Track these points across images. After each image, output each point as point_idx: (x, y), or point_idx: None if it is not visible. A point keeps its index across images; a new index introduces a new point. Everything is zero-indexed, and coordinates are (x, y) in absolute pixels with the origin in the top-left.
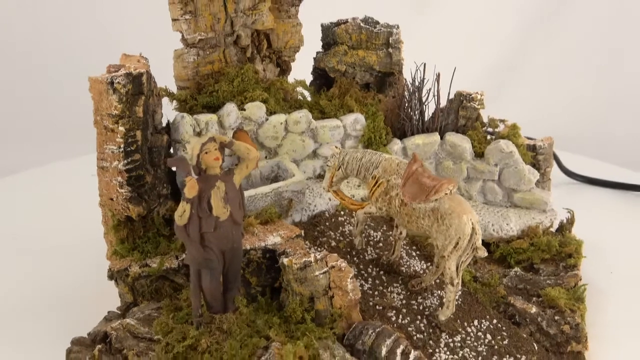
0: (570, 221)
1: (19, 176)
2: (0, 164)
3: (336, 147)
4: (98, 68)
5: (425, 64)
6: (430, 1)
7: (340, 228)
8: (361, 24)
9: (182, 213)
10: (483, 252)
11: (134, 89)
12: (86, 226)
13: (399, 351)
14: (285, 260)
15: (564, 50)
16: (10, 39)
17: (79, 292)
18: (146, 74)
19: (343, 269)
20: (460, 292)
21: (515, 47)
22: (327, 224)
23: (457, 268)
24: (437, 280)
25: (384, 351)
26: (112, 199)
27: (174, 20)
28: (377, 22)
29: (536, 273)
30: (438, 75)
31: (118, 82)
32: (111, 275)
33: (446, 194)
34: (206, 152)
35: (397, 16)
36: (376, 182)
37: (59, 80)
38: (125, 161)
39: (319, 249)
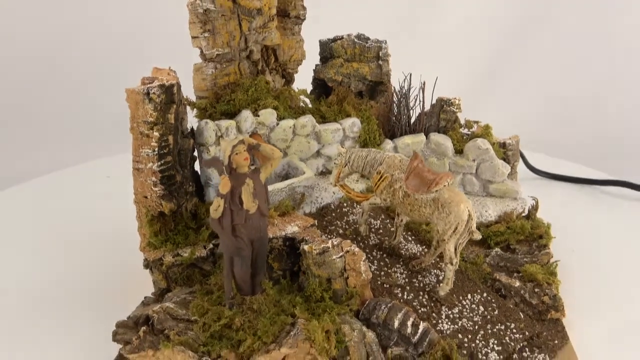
0: (535, 207)
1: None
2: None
3: (342, 147)
4: (119, 79)
5: (411, 74)
6: (417, 18)
7: (345, 218)
8: (355, 40)
9: (217, 207)
10: (478, 235)
11: (167, 98)
12: (115, 222)
13: (409, 323)
14: (305, 247)
15: (533, 63)
16: (39, 51)
17: (114, 281)
18: (177, 85)
19: (356, 253)
20: None
21: (491, 60)
22: (334, 214)
23: (455, 249)
24: (433, 261)
25: (396, 323)
26: (146, 197)
27: (193, 37)
28: (368, 38)
29: (513, 252)
30: (423, 84)
31: (153, 93)
32: (147, 265)
33: (445, 185)
34: (237, 153)
35: (386, 32)
36: (381, 176)
37: (84, 90)
38: (159, 163)
39: (329, 237)
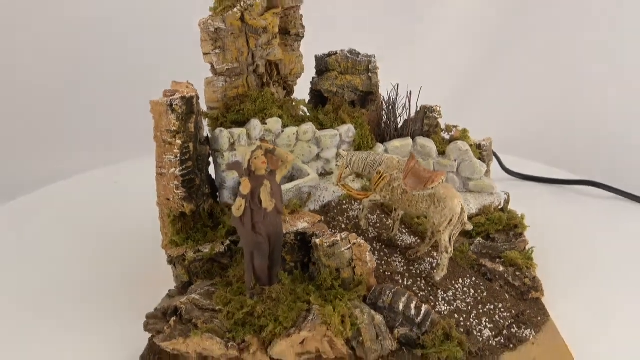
0: (507, 201)
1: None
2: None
3: (344, 150)
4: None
5: (398, 85)
6: (405, 35)
7: (345, 214)
8: (347, 55)
9: (239, 207)
10: (469, 226)
11: (187, 109)
12: (132, 223)
13: (412, 306)
14: (317, 241)
15: (511, 75)
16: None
17: (135, 276)
18: (195, 97)
19: (362, 244)
20: None
21: (474, 74)
22: (335, 211)
23: (449, 239)
24: (427, 250)
25: (401, 306)
26: (168, 199)
27: (205, 54)
28: (359, 53)
29: (493, 241)
30: (409, 93)
31: (176, 104)
32: (171, 261)
33: (439, 183)
34: (255, 158)
35: (376, 46)
36: (381, 176)
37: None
38: (181, 168)
39: (333, 231)
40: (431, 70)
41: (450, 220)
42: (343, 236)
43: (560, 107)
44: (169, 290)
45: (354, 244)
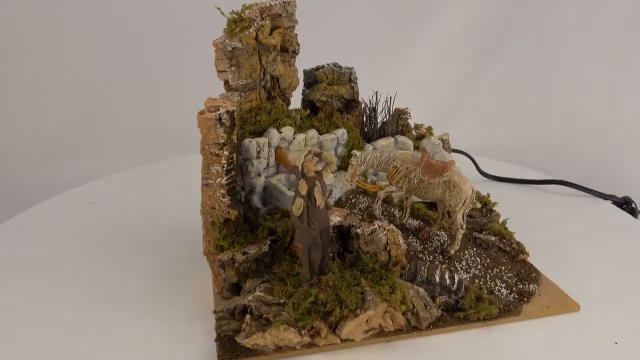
0: None
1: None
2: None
3: (356, 150)
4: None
5: (377, 92)
6: (388, 49)
7: (357, 206)
8: (333, 67)
9: (300, 206)
10: (478, 204)
11: (231, 122)
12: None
13: (447, 276)
14: (358, 230)
15: (493, 88)
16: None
17: (177, 280)
18: (235, 111)
19: (394, 230)
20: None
21: (458, 85)
22: (347, 205)
23: (462, 217)
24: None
25: (437, 278)
26: (214, 208)
27: (220, 71)
28: (342, 66)
29: (471, 217)
30: (389, 99)
31: (224, 118)
32: (222, 265)
33: (452, 170)
34: (307, 161)
35: (356, 60)
36: (397, 170)
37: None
38: (227, 177)
39: (361, 222)
40: (420, 84)
41: (464, 201)
42: (379, 224)
43: (535, 117)
44: (222, 293)
45: (388, 230)
